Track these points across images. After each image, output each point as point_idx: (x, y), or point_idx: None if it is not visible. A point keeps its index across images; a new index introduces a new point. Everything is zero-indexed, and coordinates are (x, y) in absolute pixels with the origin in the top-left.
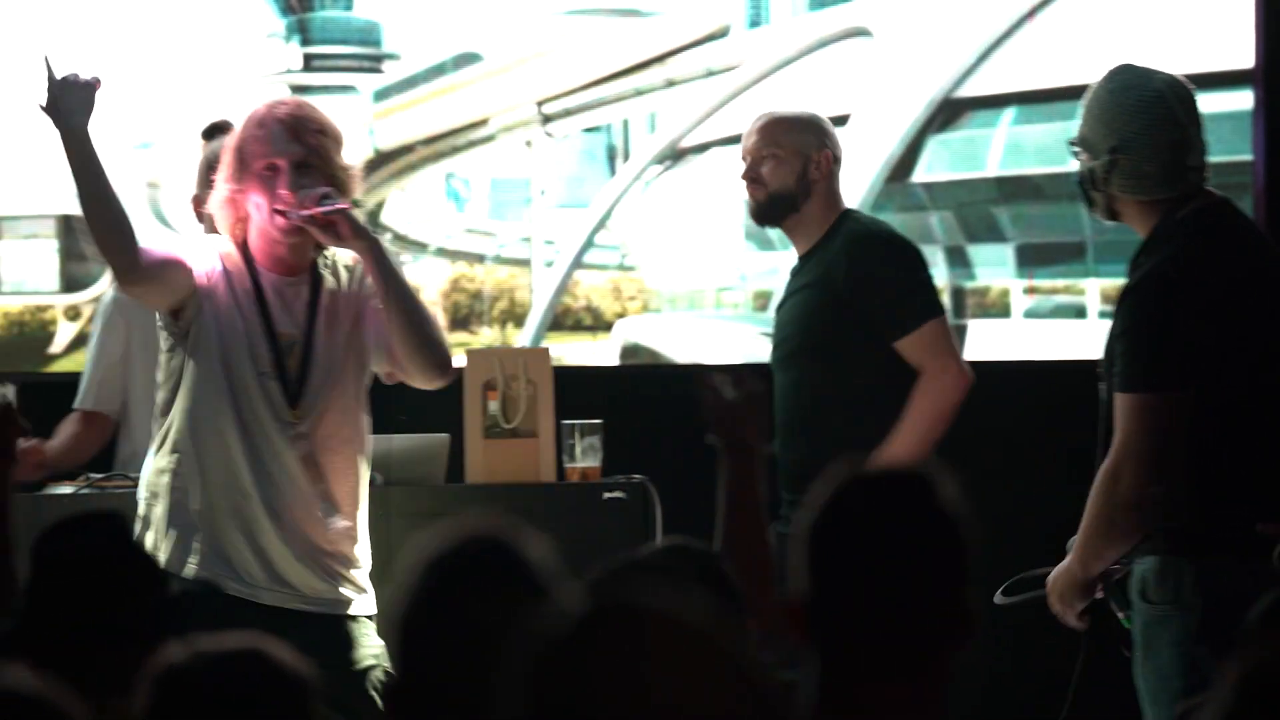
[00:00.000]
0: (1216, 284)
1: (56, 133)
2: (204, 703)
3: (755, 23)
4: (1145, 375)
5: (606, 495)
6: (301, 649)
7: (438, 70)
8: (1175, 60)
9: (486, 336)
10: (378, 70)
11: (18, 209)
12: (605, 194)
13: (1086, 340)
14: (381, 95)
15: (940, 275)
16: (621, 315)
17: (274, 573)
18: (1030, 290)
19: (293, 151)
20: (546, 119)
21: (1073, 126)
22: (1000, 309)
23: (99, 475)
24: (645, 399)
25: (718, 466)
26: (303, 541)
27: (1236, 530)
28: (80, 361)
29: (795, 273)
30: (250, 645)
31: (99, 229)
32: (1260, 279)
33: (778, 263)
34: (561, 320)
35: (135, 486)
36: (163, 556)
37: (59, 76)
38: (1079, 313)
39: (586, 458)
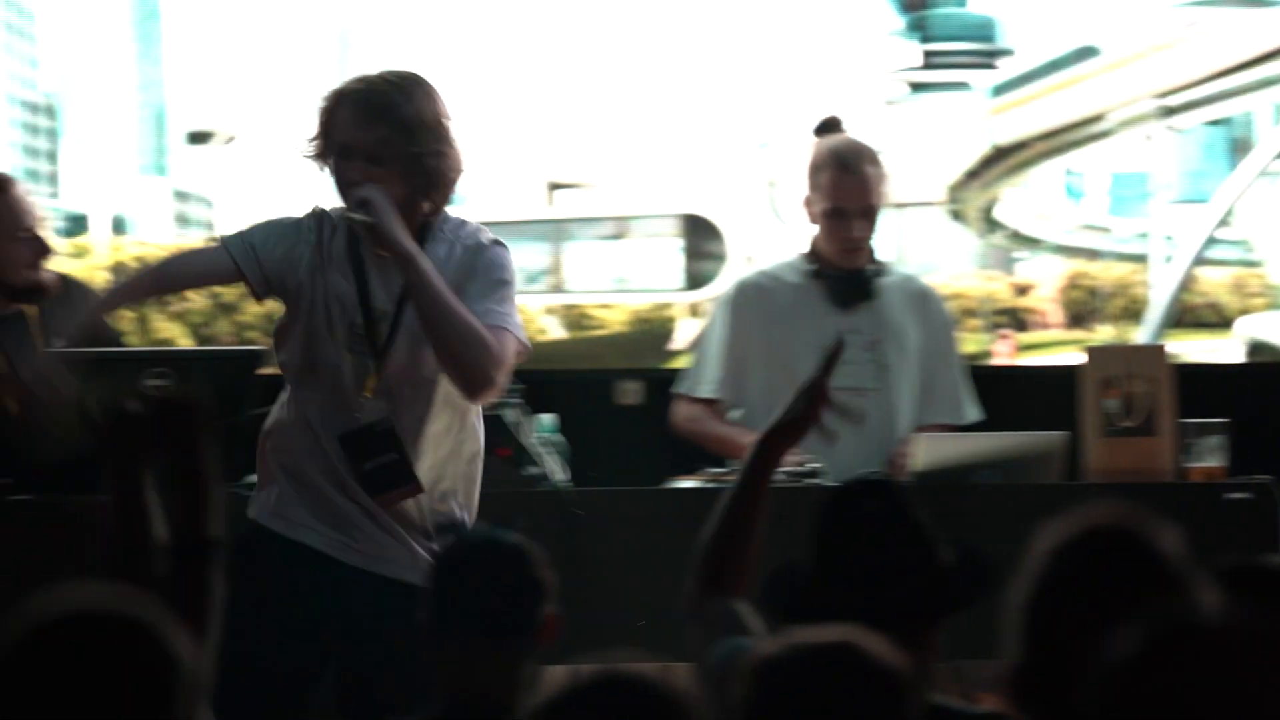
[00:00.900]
0: None
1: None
2: (799, 695)
3: None
4: None
5: (1228, 496)
6: (352, 603)
7: (1055, 65)
8: None
9: (1104, 333)
10: (993, 66)
11: (642, 209)
12: (1228, 188)
13: None
14: (999, 91)
15: None
16: (1244, 313)
17: (337, 526)
18: None
19: (358, 139)
20: (1167, 112)
21: None
22: None
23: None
24: (1272, 398)
25: None
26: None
27: None
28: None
29: None
30: (844, 638)
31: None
32: None
33: None
34: (1181, 317)
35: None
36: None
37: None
38: None
39: (1210, 457)
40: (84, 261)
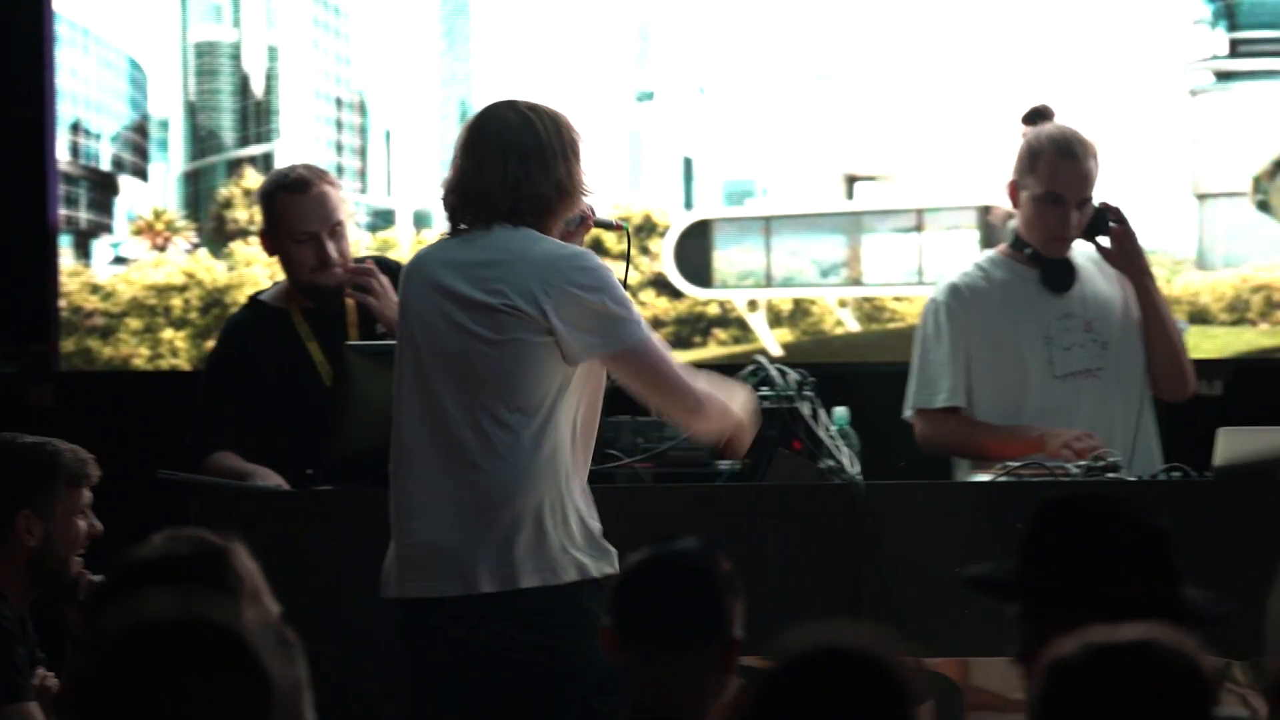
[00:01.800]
0: None
1: None
2: (1095, 694)
3: None
4: None
5: None
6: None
7: None
8: None
9: None
10: None
11: (940, 201)
12: None
13: None
14: None
15: None
16: None
17: None
18: None
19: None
20: None
21: None
22: None
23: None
24: None
25: None
26: None
27: None
28: None
29: None
30: (1146, 637)
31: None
32: None
33: None
34: None
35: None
36: None
37: None
38: None
39: None
40: (389, 255)
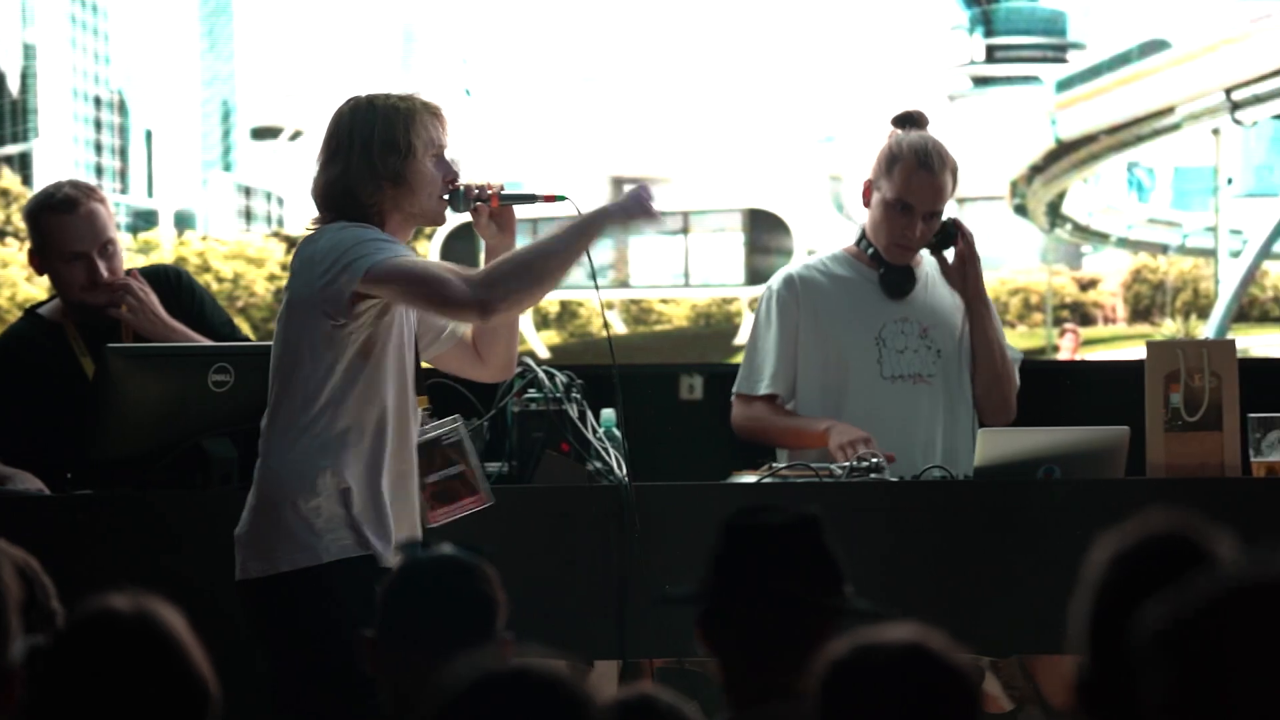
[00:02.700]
0: None
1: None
2: (870, 696)
3: None
4: None
5: None
6: None
7: (1123, 58)
8: None
9: (1169, 328)
10: (1062, 60)
11: (706, 204)
12: None
13: None
14: (1064, 85)
15: None
16: None
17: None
18: None
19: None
20: (1235, 106)
21: None
22: None
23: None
24: None
25: None
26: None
27: None
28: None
29: None
30: (914, 639)
31: (541, 290)
32: None
33: None
34: (1248, 311)
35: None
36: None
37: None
38: None
39: (1274, 452)
40: (151, 257)
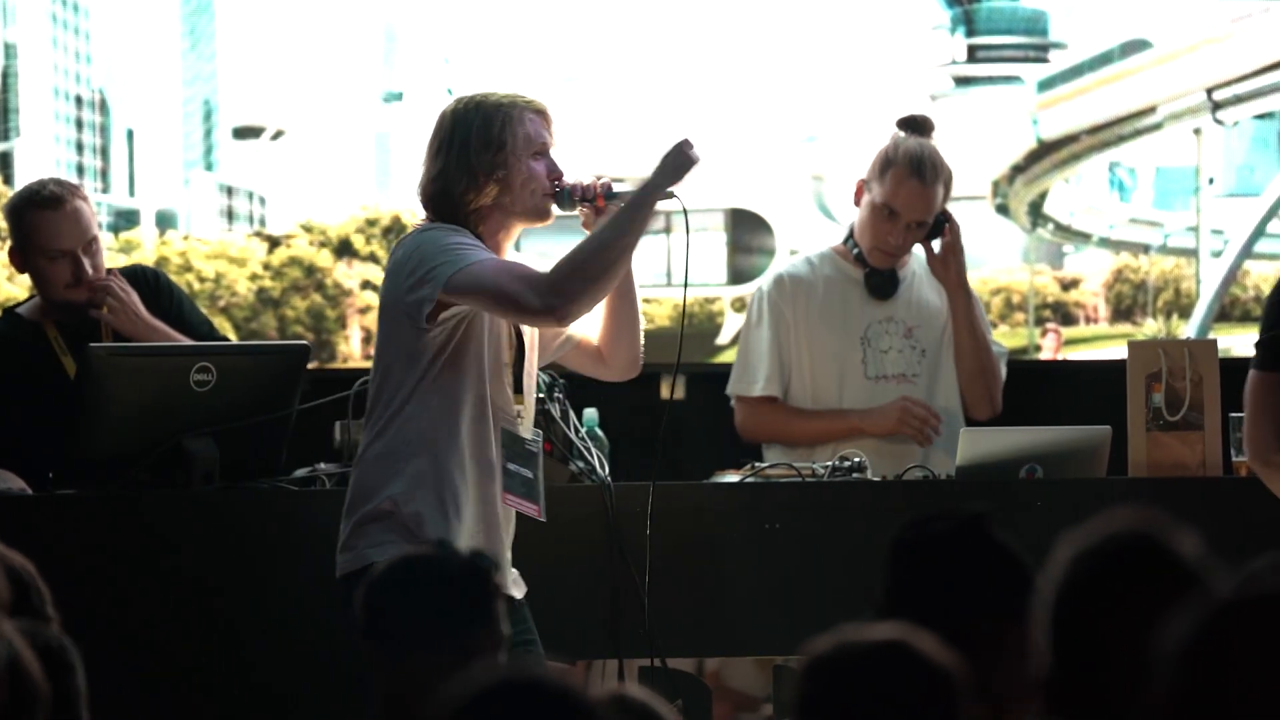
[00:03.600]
0: None
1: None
2: (853, 693)
3: None
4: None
5: None
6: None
7: (1104, 58)
8: None
9: (1150, 327)
10: (1044, 59)
11: (688, 203)
12: (1277, 182)
13: None
14: (1046, 85)
15: None
16: None
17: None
18: None
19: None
20: (1217, 106)
21: None
22: None
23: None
24: None
25: None
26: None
27: None
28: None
29: None
30: (897, 637)
31: (609, 282)
32: None
33: None
34: (1229, 311)
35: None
36: None
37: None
38: None
39: None
40: (132, 257)
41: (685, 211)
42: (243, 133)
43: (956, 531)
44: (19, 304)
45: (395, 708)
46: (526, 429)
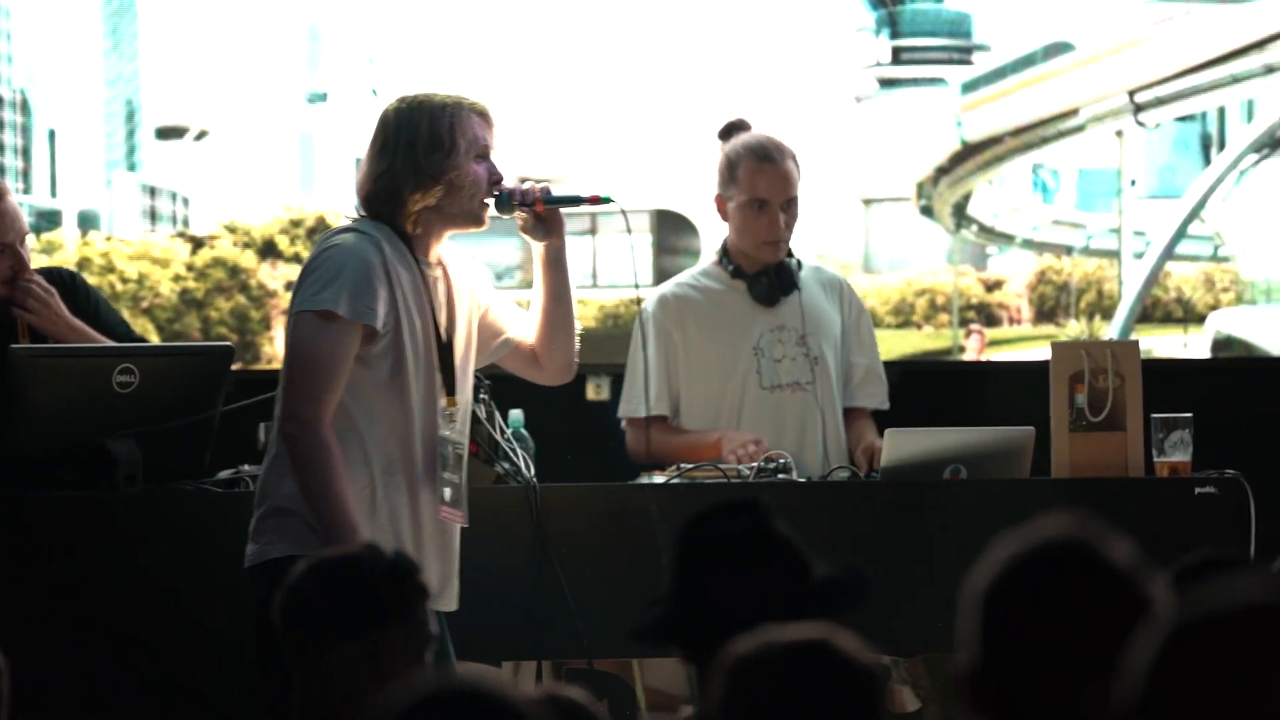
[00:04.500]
0: None
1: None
2: (775, 692)
3: None
4: None
5: (1198, 491)
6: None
7: (1027, 60)
8: None
9: (1073, 328)
10: (967, 62)
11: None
12: (1198, 184)
13: None
14: (970, 87)
15: None
16: (1214, 307)
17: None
18: None
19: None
20: (1139, 108)
21: None
22: None
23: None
24: (1239, 392)
25: None
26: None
27: None
28: None
29: None
30: (820, 636)
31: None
32: None
33: None
34: (1151, 312)
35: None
36: None
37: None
38: None
39: (1176, 452)
40: (54, 257)
41: (625, 213)
42: (166, 133)
43: (738, 525)
44: None
45: (315, 710)
46: (455, 430)
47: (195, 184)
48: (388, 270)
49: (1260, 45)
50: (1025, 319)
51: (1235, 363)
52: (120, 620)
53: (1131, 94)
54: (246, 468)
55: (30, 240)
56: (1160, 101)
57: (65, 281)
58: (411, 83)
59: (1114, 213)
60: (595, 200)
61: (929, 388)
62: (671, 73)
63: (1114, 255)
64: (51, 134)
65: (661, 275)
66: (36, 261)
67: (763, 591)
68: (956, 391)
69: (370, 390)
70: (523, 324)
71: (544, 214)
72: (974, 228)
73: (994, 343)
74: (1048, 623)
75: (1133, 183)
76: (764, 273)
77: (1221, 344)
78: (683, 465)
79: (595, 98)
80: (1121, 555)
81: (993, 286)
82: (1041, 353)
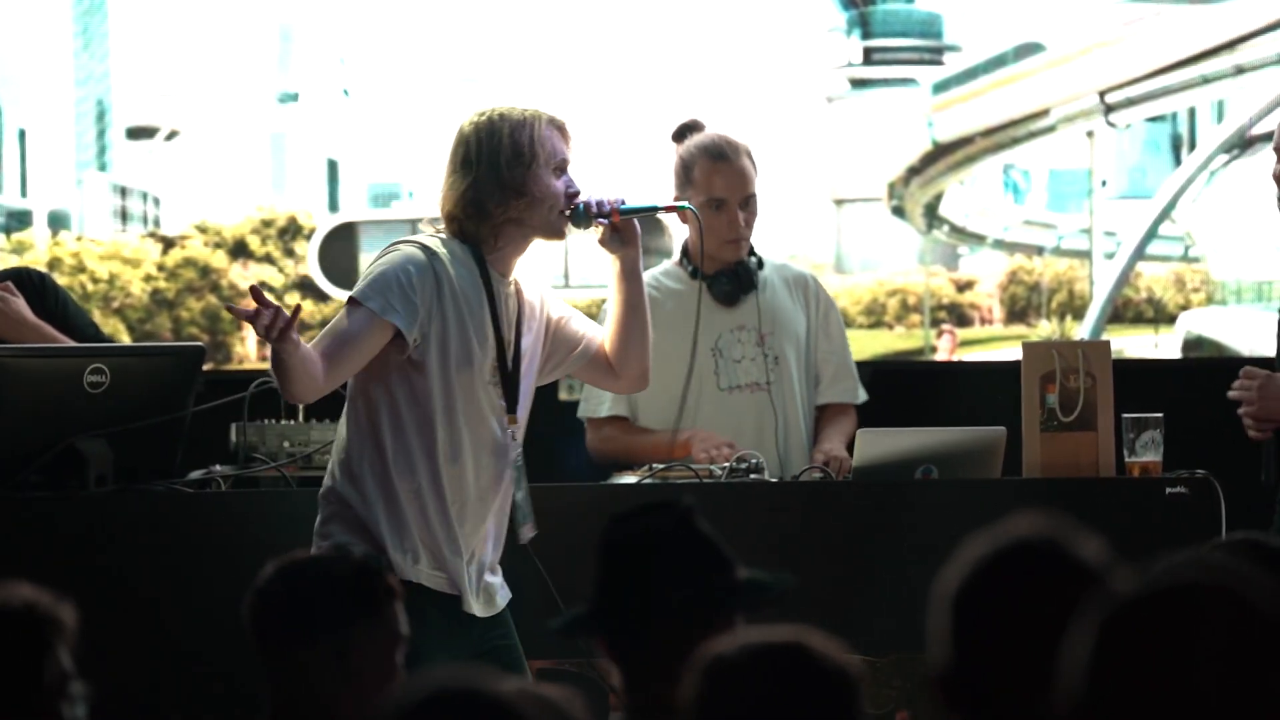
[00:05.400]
0: None
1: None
2: (750, 694)
3: None
4: None
5: (1169, 491)
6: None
7: (998, 61)
8: None
9: (1044, 329)
10: (939, 62)
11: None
12: (1169, 184)
13: None
14: (941, 87)
15: None
16: (1185, 307)
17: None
18: None
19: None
20: (1109, 109)
21: None
22: None
23: (661, 466)
24: (1210, 393)
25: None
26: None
27: None
28: None
29: None
30: (795, 638)
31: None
32: None
33: None
34: (1122, 312)
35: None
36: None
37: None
38: None
39: (1147, 452)
40: (25, 258)
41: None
42: (137, 133)
43: (664, 521)
44: None
45: (286, 711)
46: (515, 446)
47: (166, 184)
48: (440, 283)
49: (1230, 46)
50: (997, 319)
51: (1206, 363)
52: (91, 621)
53: (1102, 94)
54: (218, 468)
55: None
56: (1131, 102)
57: (34, 282)
58: (383, 82)
59: (1085, 213)
60: (673, 209)
61: (901, 388)
62: (642, 73)
63: (1085, 255)
64: (22, 134)
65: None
66: (6, 261)
67: (682, 588)
68: (928, 392)
69: (421, 400)
70: (597, 335)
71: (620, 225)
72: (945, 228)
73: (965, 343)
74: (1019, 622)
75: (1103, 183)
76: (724, 273)
77: (1192, 344)
78: (654, 466)
79: (567, 98)
80: (1092, 554)
81: (964, 287)
82: (1013, 353)
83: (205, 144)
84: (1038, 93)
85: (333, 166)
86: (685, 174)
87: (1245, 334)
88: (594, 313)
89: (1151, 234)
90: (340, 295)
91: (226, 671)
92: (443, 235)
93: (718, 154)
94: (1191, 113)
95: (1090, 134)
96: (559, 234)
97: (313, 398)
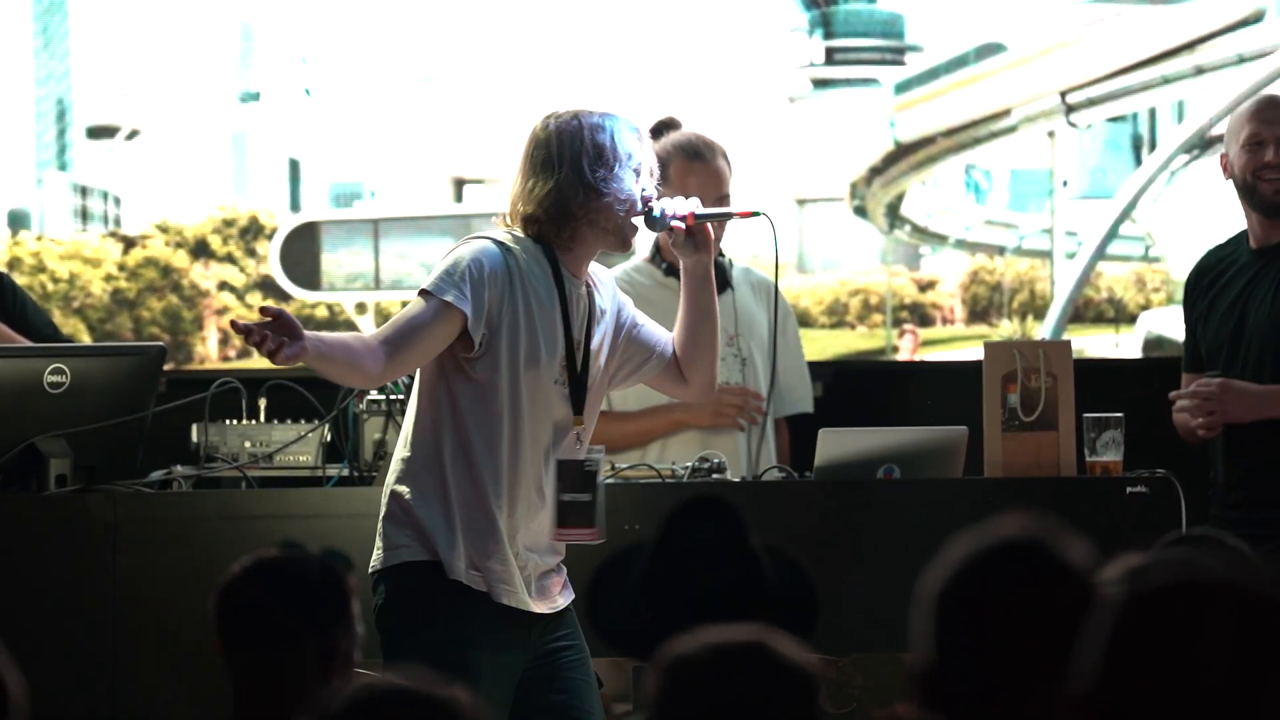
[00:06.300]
0: None
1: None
2: (711, 693)
3: None
4: None
5: (1129, 490)
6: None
7: (960, 61)
8: None
9: (1006, 328)
10: (900, 62)
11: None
12: (1130, 184)
13: None
14: (903, 87)
15: None
16: (1145, 307)
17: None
18: None
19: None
20: (1070, 109)
21: None
22: None
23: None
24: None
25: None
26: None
27: None
28: None
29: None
30: (756, 638)
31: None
32: None
33: None
34: (1083, 312)
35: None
36: None
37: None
38: None
39: (1107, 452)
40: None
41: (774, 227)
42: (97, 132)
43: (713, 531)
44: None
45: (247, 712)
46: (583, 449)
47: (127, 183)
48: (513, 278)
49: (1191, 46)
50: (958, 319)
51: (1166, 363)
52: (50, 622)
53: (1063, 95)
54: (179, 468)
55: None
56: (1092, 102)
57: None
58: (344, 82)
59: (1046, 213)
60: (746, 214)
61: (862, 388)
62: (605, 72)
63: (1046, 255)
64: None
65: None
66: None
67: (723, 596)
68: (890, 391)
69: (485, 396)
70: (669, 342)
71: (694, 229)
72: (907, 228)
73: (927, 343)
74: (1001, 622)
75: (1065, 183)
76: None
77: (1153, 344)
78: (616, 465)
79: (529, 97)
80: (1076, 554)
81: (926, 286)
82: (974, 352)
83: (166, 143)
84: (999, 93)
85: (294, 166)
86: (661, 172)
87: None
88: None
89: (1112, 234)
90: (302, 295)
91: (188, 672)
92: (516, 232)
93: (694, 153)
94: (1152, 113)
95: (1051, 134)
96: (628, 239)
97: (373, 384)
